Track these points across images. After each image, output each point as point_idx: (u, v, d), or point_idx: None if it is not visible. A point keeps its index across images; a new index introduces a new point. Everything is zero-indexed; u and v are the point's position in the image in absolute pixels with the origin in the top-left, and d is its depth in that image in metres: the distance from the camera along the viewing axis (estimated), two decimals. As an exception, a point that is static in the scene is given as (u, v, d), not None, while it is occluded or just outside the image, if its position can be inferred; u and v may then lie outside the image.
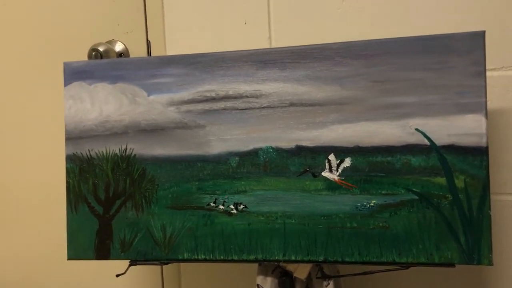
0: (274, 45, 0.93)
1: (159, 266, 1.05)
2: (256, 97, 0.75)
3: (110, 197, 0.80)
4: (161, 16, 0.99)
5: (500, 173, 0.86)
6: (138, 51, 1.02)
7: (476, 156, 0.69)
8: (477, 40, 0.69)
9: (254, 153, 0.76)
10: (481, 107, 0.69)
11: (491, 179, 0.69)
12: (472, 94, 0.69)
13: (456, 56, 0.69)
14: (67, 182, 0.82)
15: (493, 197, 0.83)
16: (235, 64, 0.76)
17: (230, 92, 0.76)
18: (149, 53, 1.01)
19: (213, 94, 0.77)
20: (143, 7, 1.01)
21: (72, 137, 0.81)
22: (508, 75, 0.84)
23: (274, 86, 0.75)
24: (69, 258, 0.82)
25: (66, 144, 0.81)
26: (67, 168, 0.81)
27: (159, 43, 1.00)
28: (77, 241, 0.81)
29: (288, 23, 0.92)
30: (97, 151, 0.80)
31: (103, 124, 0.80)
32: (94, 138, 0.80)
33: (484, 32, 0.69)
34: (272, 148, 0.75)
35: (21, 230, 1.13)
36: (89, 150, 0.81)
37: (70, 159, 0.81)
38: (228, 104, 0.76)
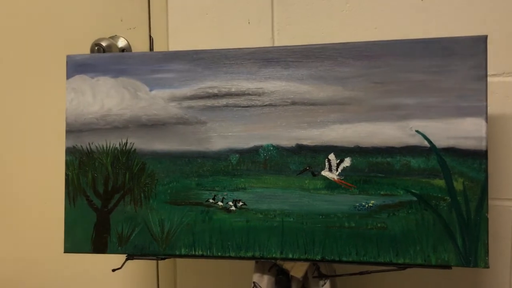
0: (277, 44, 0.94)
1: (154, 261, 1.05)
2: (258, 95, 0.76)
3: (109, 190, 0.80)
4: (165, 13, 0.99)
5: (497, 179, 0.86)
6: (140, 47, 1.02)
7: (476, 159, 0.69)
8: (479, 44, 0.70)
9: (255, 150, 0.76)
10: (482, 111, 0.69)
11: (488, 183, 0.70)
12: (473, 98, 0.70)
13: (457, 60, 0.70)
14: (66, 175, 0.81)
15: (490, 202, 0.84)
16: (238, 61, 0.76)
17: (232, 89, 0.76)
18: (151, 49, 1.01)
19: (215, 91, 0.77)
20: (147, 4, 1.01)
21: (72, 130, 0.81)
22: (508, 81, 0.85)
23: (276, 85, 0.75)
24: (66, 251, 0.81)
25: (66, 137, 0.81)
26: (66, 161, 0.81)
27: (162, 40, 1.00)
28: (74, 234, 0.81)
29: (291, 24, 0.93)
30: (97, 145, 0.80)
31: (104, 117, 0.80)
32: (94, 132, 0.80)
33: (486, 36, 0.69)
34: (272, 146, 0.75)
35: (18, 223, 1.13)
36: (89, 143, 0.81)
37: (69, 151, 0.81)
38: (230, 101, 0.76)
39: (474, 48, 0.70)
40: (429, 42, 0.71)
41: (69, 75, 0.82)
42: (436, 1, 0.86)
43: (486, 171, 0.69)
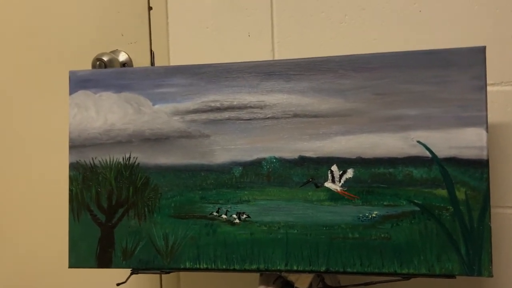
0: (277, 57, 0.95)
1: (158, 275, 1.05)
2: (261, 107, 0.76)
3: (113, 205, 0.80)
4: (165, 27, 1.00)
5: (498, 187, 0.87)
6: (141, 61, 1.03)
7: (477, 169, 0.70)
8: (477, 55, 0.70)
9: (258, 163, 0.76)
10: (482, 121, 0.70)
11: (490, 192, 0.70)
12: (473, 108, 0.70)
13: (457, 70, 0.71)
14: (70, 190, 0.82)
15: (492, 210, 0.84)
16: (240, 75, 0.77)
17: (235, 103, 0.77)
18: (152, 63, 1.02)
19: (217, 104, 0.78)
20: (147, 18, 1.02)
21: (76, 145, 0.82)
22: (507, 90, 0.86)
23: (278, 97, 0.76)
24: (71, 266, 0.81)
25: (70, 152, 0.82)
26: (70, 176, 0.82)
27: (163, 54, 1.01)
28: (78, 249, 0.81)
29: (291, 36, 0.94)
30: (100, 159, 0.81)
31: (108, 132, 0.81)
32: (98, 147, 0.81)
33: (484, 47, 0.70)
34: (275, 158, 0.76)
35: (22, 237, 1.13)
36: (92, 158, 0.81)
37: (73, 167, 0.82)
38: (233, 114, 0.77)
39: (473, 59, 0.71)
40: (428, 54, 0.72)
41: (72, 91, 0.82)
42: (434, 11, 0.88)
43: (487, 180, 0.70)
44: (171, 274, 1.02)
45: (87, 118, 0.81)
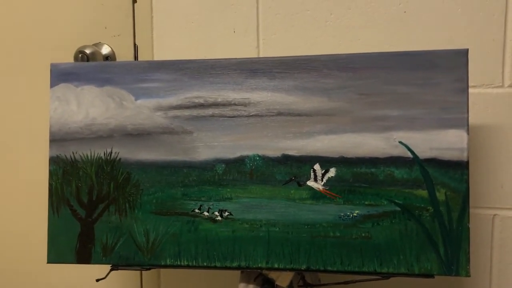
0: (262, 54, 0.94)
1: (138, 271, 1.04)
2: (245, 105, 0.76)
3: (93, 200, 0.80)
4: (150, 20, 0.99)
5: (477, 188, 0.88)
6: (125, 55, 1.01)
7: (457, 170, 0.71)
8: (460, 57, 0.71)
9: (241, 160, 0.76)
10: (463, 123, 0.71)
11: (470, 193, 0.71)
12: (454, 110, 0.71)
13: (440, 73, 0.72)
14: (50, 185, 0.81)
15: (471, 211, 0.86)
16: (225, 72, 0.77)
17: (219, 100, 0.77)
18: (136, 57, 1.01)
19: (201, 101, 0.77)
20: (131, 11, 1.01)
21: (56, 139, 0.80)
22: (488, 92, 0.87)
23: (262, 95, 0.76)
24: (49, 262, 0.80)
25: (50, 146, 0.81)
26: (50, 170, 0.80)
27: (147, 48, 1.00)
28: (58, 244, 0.80)
29: (276, 34, 0.94)
30: (81, 154, 0.80)
31: (89, 126, 0.79)
32: (79, 141, 0.80)
33: (467, 50, 0.71)
34: (258, 156, 0.76)
35: (0, 232, 1.11)
36: (73, 153, 0.80)
37: (53, 161, 0.80)
38: (216, 111, 0.77)
39: (456, 62, 0.71)
40: (413, 55, 0.73)
41: (53, 84, 0.81)
42: (419, 13, 0.88)
43: (467, 181, 0.71)
44: (152, 270, 1.02)
45: (68, 111, 0.80)
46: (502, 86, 0.86)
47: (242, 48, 0.95)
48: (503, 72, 0.86)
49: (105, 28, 1.02)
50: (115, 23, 1.02)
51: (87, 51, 0.99)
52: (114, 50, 1.02)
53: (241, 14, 0.95)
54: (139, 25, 1.01)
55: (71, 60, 1.00)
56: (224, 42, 0.96)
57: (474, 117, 0.87)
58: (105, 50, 1.02)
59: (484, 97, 0.87)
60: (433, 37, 0.88)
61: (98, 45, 1.02)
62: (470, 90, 0.85)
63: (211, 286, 1.00)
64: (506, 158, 0.87)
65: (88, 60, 0.98)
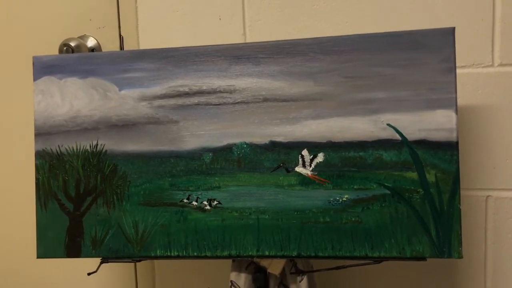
0: (249, 40, 0.93)
1: (132, 263, 1.04)
2: (230, 92, 0.75)
3: (81, 193, 0.79)
4: (134, 11, 0.98)
5: (468, 169, 0.87)
6: (111, 46, 1.00)
7: (447, 151, 0.70)
8: (447, 36, 0.70)
9: (228, 148, 0.75)
10: (451, 103, 0.70)
11: (460, 174, 0.71)
12: (442, 90, 0.70)
13: (426, 53, 0.70)
14: (37, 179, 0.80)
15: (462, 192, 0.85)
16: (209, 58, 0.75)
17: (204, 87, 0.76)
18: (121, 48, 1.00)
19: (186, 89, 0.76)
20: (116, 2, 1.00)
21: (41, 133, 0.79)
22: (477, 72, 0.86)
23: (248, 81, 0.75)
24: (39, 257, 0.80)
25: (35, 140, 0.80)
26: (36, 165, 0.80)
27: (132, 38, 0.99)
28: (47, 239, 0.79)
29: (263, 19, 0.92)
30: (67, 147, 0.79)
31: (74, 119, 0.78)
32: (64, 134, 0.79)
33: (453, 28, 0.70)
34: (246, 143, 0.75)
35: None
36: (59, 146, 0.79)
37: (39, 155, 0.80)
38: (202, 99, 0.76)
39: (442, 41, 0.70)
40: (398, 36, 0.71)
41: (36, 77, 0.80)
42: (406, -6, 0.87)
43: (457, 162, 0.70)
44: (146, 261, 1.01)
45: (52, 104, 0.79)
46: (492, 65, 0.85)
47: (228, 35, 0.94)
48: (492, 51, 0.85)
49: (90, 20, 1.01)
50: (99, 15, 1.01)
51: (72, 44, 0.98)
52: (100, 42, 1.01)
53: (226, 1, 0.93)
54: (123, 16, 1.00)
55: (57, 53, 0.99)
56: (210, 30, 0.95)
57: (464, 98, 0.86)
58: (90, 42, 1.01)
59: (474, 77, 0.86)
60: (422, 18, 0.87)
61: (83, 37, 1.01)
62: (460, 71, 0.84)
63: (205, 275, 1.00)
64: (497, 138, 0.86)
65: (73, 53, 0.97)
